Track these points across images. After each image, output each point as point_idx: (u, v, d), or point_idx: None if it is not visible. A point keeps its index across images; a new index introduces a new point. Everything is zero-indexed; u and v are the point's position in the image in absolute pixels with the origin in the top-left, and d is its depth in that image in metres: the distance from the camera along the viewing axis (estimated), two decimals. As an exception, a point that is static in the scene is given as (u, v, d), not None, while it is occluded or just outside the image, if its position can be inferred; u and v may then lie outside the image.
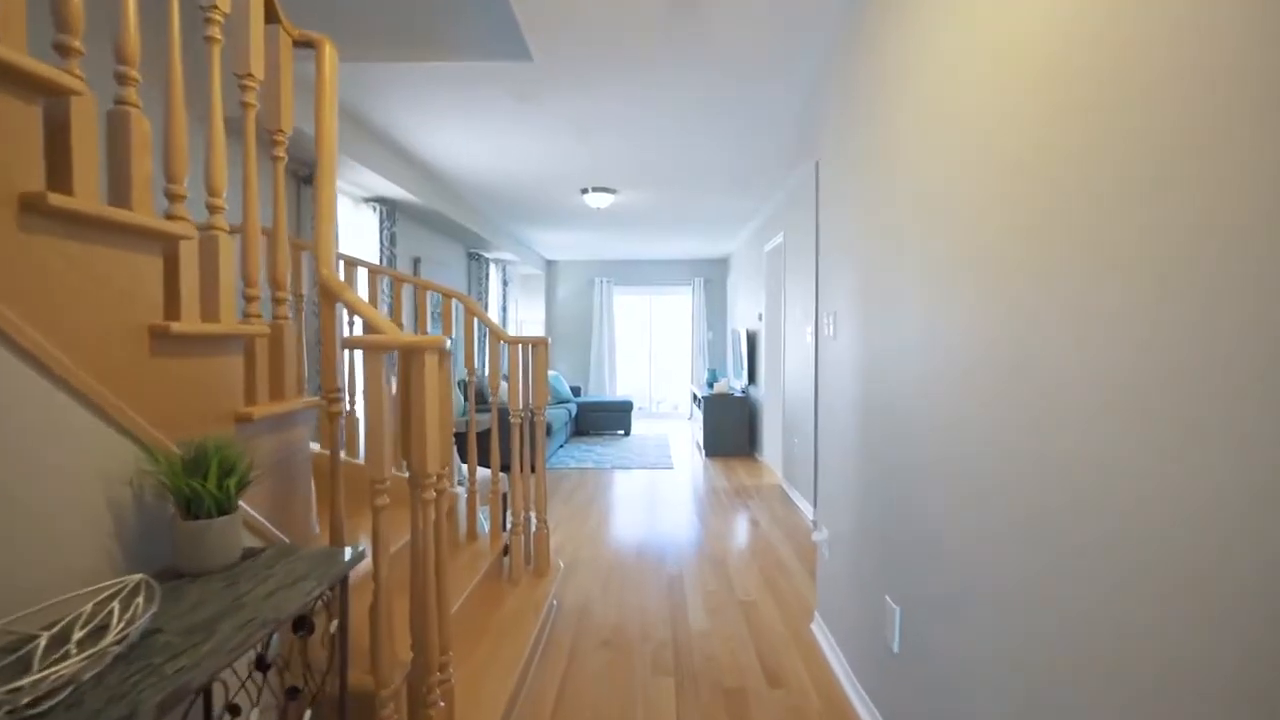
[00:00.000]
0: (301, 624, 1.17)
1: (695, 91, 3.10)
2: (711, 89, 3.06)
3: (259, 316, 1.43)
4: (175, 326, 1.11)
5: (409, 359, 1.41)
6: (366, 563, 1.69)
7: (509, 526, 2.73)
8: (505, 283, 7.92)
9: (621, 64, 2.78)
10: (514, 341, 2.74)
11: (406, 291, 4.36)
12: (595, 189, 5.04)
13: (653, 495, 4.94)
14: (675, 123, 3.55)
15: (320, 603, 1.17)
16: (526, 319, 9.57)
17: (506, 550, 2.81)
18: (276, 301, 1.53)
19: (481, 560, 2.58)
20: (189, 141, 1.28)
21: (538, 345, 2.74)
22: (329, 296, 1.53)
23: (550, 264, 9.55)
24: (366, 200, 4.34)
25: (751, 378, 6.79)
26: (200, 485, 1.04)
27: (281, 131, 1.51)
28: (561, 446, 7.11)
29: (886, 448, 1.82)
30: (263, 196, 1.57)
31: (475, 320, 2.79)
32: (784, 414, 5.14)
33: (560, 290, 9.58)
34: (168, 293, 1.16)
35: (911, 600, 1.64)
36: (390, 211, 4.44)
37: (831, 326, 2.42)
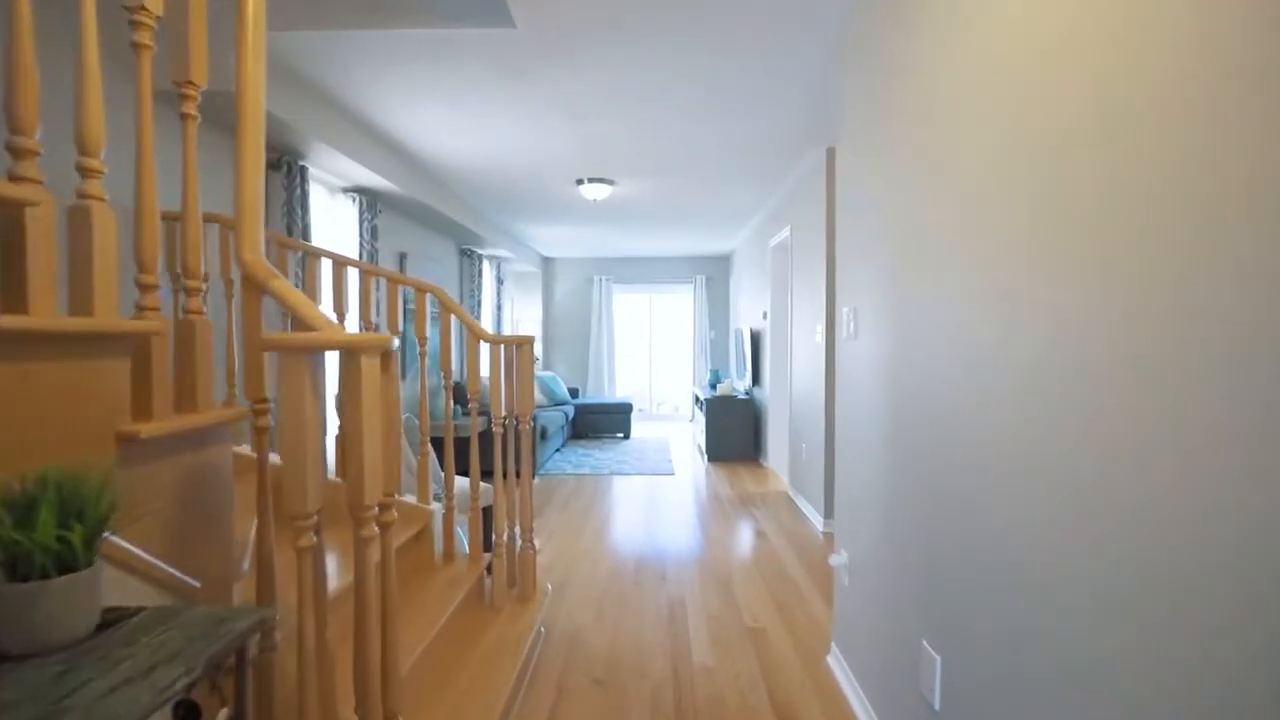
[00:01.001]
0: (182, 710, 0.89)
1: (696, 73, 2.82)
2: (714, 70, 2.78)
3: (156, 310, 1.15)
4: (5, 321, 0.84)
5: (344, 363, 1.14)
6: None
7: (492, 545, 2.46)
8: (500, 280, 7.62)
9: (615, 39, 2.50)
10: (495, 341, 2.46)
11: (384, 290, 4.08)
12: (591, 180, 4.75)
13: (652, 503, 4.66)
14: (675, 107, 3.26)
15: (209, 683, 0.90)
16: (523, 317, 9.29)
17: (489, 571, 2.54)
18: (189, 292, 1.26)
19: (459, 585, 2.30)
20: (75, 94, 1.00)
21: (522, 345, 2.46)
22: (253, 285, 1.26)
23: (547, 261, 9.26)
24: (345, 190, 4.06)
25: (756, 379, 6.51)
26: (25, 537, 0.76)
27: (192, 84, 1.24)
28: (558, 450, 6.83)
29: (924, 462, 1.54)
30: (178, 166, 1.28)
31: (454, 318, 2.51)
32: (791, 417, 4.85)
33: (558, 288, 9.30)
34: (7, 278, 0.89)
35: (960, 651, 1.36)
36: (371, 202, 4.15)
37: (851, 325, 2.14)
